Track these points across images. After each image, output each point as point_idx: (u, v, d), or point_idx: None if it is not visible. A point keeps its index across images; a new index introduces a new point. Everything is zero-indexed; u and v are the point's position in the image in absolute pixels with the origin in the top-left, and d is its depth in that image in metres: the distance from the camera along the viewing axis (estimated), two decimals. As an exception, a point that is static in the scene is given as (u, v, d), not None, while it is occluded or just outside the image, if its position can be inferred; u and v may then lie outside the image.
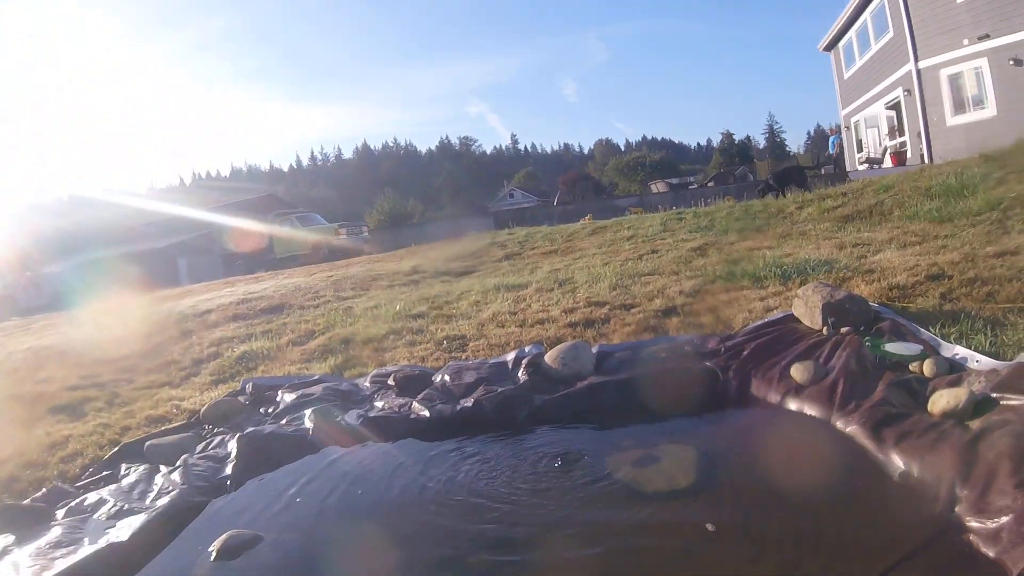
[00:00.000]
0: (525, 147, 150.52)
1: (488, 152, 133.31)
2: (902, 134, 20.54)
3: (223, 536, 2.95)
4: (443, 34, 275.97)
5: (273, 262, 24.18)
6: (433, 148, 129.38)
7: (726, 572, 2.40)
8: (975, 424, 2.73)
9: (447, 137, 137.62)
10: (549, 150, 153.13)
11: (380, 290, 9.72)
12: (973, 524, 2.26)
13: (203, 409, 4.83)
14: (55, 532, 3.18)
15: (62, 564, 2.82)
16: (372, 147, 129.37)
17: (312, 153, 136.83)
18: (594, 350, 4.58)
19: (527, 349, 4.74)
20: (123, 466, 4.02)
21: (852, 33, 24.04)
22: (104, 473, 3.99)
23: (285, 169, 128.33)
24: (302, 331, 7.33)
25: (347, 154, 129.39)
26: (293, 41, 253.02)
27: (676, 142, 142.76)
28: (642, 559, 2.53)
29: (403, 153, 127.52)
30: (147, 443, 4.24)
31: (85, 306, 15.28)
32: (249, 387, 5.10)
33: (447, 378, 4.49)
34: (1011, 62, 15.16)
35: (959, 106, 17.26)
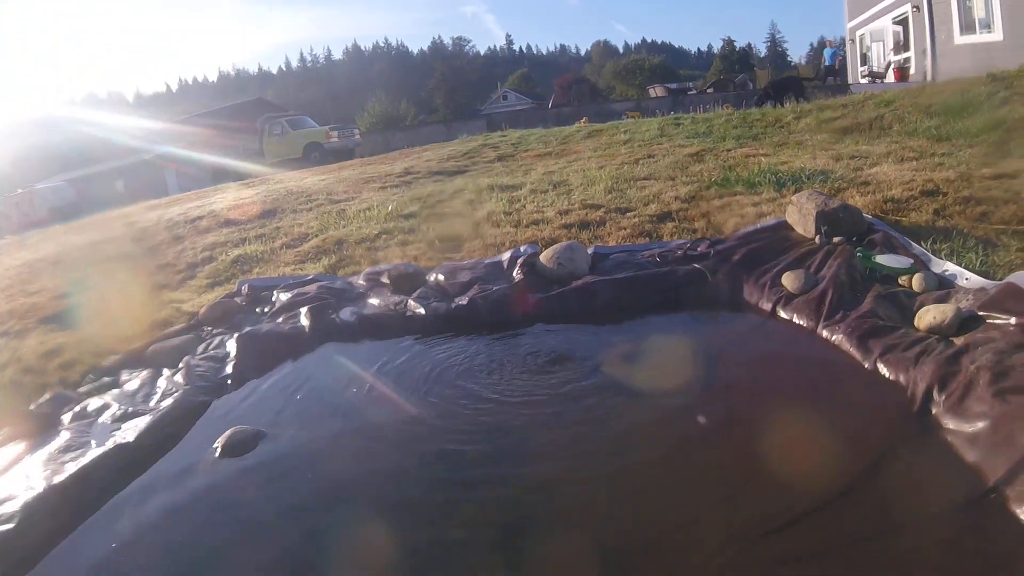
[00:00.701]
0: (520, 48, 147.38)
1: (482, 53, 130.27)
2: (907, 50, 20.08)
3: (227, 433, 3.03)
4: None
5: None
6: (425, 49, 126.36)
7: (711, 464, 2.49)
8: (959, 340, 2.78)
9: (440, 38, 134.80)
10: (545, 52, 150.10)
11: (372, 192, 9.65)
12: (950, 426, 2.34)
13: (201, 311, 4.87)
14: (63, 437, 3.24)
15: (72, 467, 2.88)
16: (363, 48, 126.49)
17: (301, 55, 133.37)
18: (589, 251, 4.60)
19: (522, 248, 4.76)
20: (124, 372, 4.08)
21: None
22: (105, 379, 4.05)
23: (274, 72, 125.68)
24: (295, 234, 7.33)
25: (337, 55, 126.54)
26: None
27: (676, 46, 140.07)
28: (631, 448, 2.62)
29: (394, 54, 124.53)
30: (150, 347, 4.30)
31: (78, 220, 15.27)
32: (245, 288, 5.14)
33: (441, 277, 4.52)
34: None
35: (967, 26, 16.82)
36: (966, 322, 2.89)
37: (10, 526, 2.50)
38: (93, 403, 3.61)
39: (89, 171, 32.18)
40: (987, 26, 15.99)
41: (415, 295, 4.33)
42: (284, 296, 4.75)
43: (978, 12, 16.24)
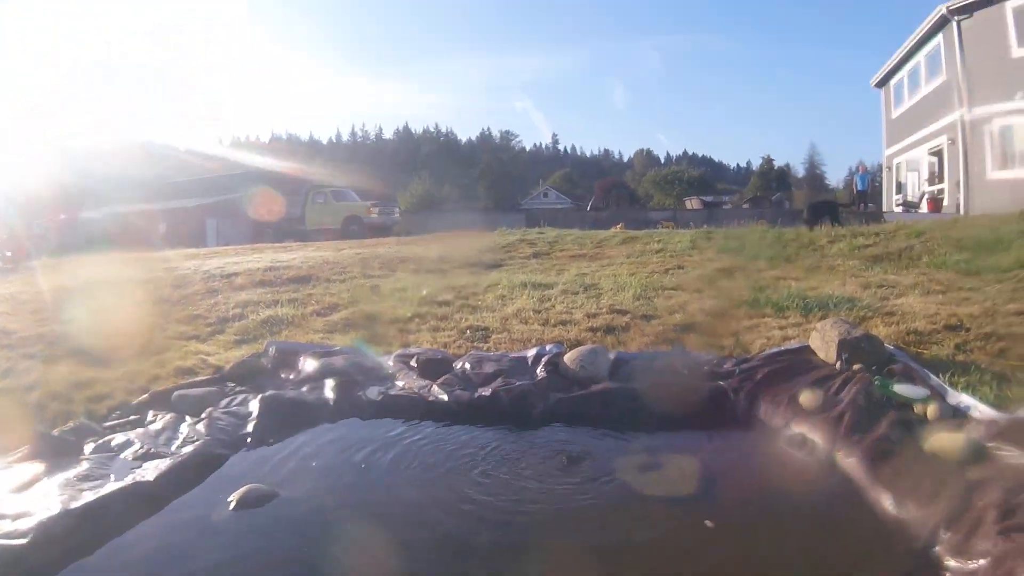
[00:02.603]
0: (565, 148, 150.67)
1: (528, 149, 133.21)
2: (942, 181, 20.36)
3: (242, 488, 3.12)
4: (497, 25, 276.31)
5: (303, 234, 24.41)
6: (473, 138, 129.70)
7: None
8: (969, 471, 2.82)
9: (488, 129, 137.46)
10: (589, 154, 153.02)
11: (407, 273, 9.86)
12: (952, 564, 2.37)
13: (228, 367, 4.99)
14: (83, 466, 3.36)
15: (90, 496, 2.98)
16: (413, 130, 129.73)
17: (353, 129, 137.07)
18: (612, 356, 4.69)
19: (547, 347, 4.85)
20: (150, 412, 4.19)
21: (905, 72, 23.82)
22: (131, 417, 4.17)
23: (324, 142, 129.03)
24: (326, 303, 7.50)
25: (387, 134, 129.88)
26: (344, 14, 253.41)
27: (716, 160, 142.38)
28: (639, 552, 2.66)
29: (443, 140, 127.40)
30: (175, 393, 4.41)
31: (115, 253, 15.63)
32: (272, 350, 5.23)
33: (468, 366, 4.61)
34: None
35: (1003, 161, 17.09)
36: (976, 452, 2.94)
37: (23, 541, 2.59)
38: (117, 438, 3.73)
39: (135, 208, 32.95)
40: (1022, 163, 16.21)
41: (440, 381, 4.42)
42: (311, 363, 4.85)
43: (1019, 145, 16.44)
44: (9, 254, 17.57)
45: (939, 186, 20.55)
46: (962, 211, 17.43)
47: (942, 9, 18.85)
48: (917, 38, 21.52)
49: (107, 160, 36.47)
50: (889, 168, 26.35)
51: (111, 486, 3.08)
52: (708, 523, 2.79)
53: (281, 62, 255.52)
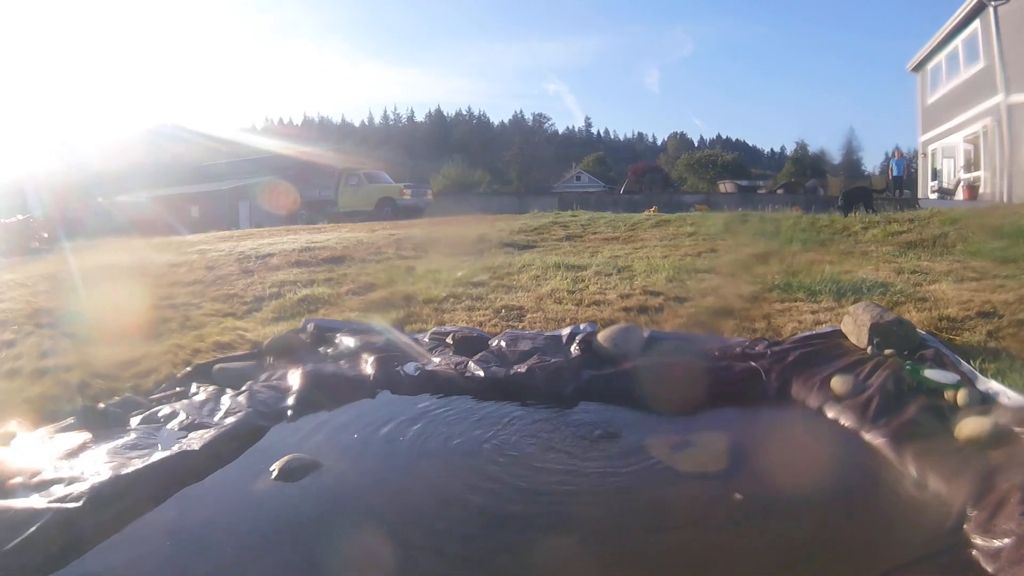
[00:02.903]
0: (598, 131, 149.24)
1: (560, 132, 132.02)
2: (978, 168, 19.99)
3: (284, 458, 3.21)
4: (530, 8, 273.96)
5: (336, 216, 24.56)
6: (506, 121, 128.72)
7: (735, 550, 2.56)
8: (995, 454, 2.85)
9: (521, 112, 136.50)
10: (622, 137, 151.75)
11: (440, 254, 9.93)
12: (978, 542, 2.40)
13: (266, 342, 5.09)
14: (131, 436, 3.49)
15: (139, 462, 3.09)
16: (445, 113, 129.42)
17: (385, 112, 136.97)
18: (645, 335, 4.73)
19: (581, 326, 4.88)
20: (193, 385, 4.31)
21: (942, 57, 23.31)
22: (176, 389, 4.29)
23: (356, 124, 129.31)
24: (362, 283, 7.60)
25: (419, 117, 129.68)
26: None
27: (750, 145, 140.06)
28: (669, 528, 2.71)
29: (475, 123, 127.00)
30: (216, 366, 4.53)
31: (149, 236, 15.91)
32: (311, 327, 5.33)
33: (503, 344, 4.67)
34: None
35: None
36: (1003, 437, 2.96)
37: (78, 504, 2.69)
38: (163, 410, 3.86)
39: (169, 191, 33.41)
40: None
41: (476, 358, 4.49)
42: (349, 340, 4.94)
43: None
44: (46, 235, 18.01)
45: (975, 173, 20.15)
46: (999, 199, 17.10)
47: (980, -6, 18.46)
48: (954, 23, 21.01)
49: (140, 145, 37.00)
50: (924, 154, 25.86)
51: (159, 454, 3.19)
52: (737, 496, 2.83)
53: (315, 46, 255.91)
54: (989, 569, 2.25)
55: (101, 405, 3.92)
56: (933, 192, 23.34)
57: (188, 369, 4.59)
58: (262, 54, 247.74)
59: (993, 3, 17.96)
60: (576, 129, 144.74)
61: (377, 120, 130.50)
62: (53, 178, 27.54)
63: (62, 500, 2.72)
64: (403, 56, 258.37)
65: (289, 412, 3.92)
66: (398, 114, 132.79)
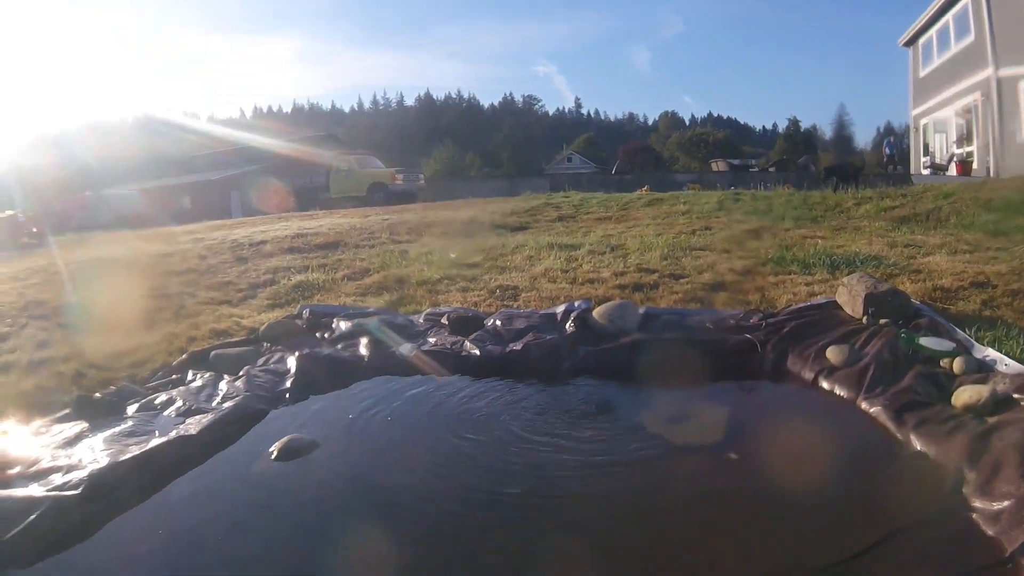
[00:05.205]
0: (588, 112, 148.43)
1: (551, 114, 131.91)
2: (970, 143, 19.87)
3: (284, 439, 3.22)
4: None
5: (328, 201, 24.46)
6: (496, 104, 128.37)
7: (739, 522, 2.56)
8: (992, 419, 2.87)
9: (511, 94, 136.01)
10: (613, 118, 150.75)
11: (434, 237, 9.92)
12: (977, 504, 2.41)
13: (262, 328, 5.09)
14: (128, 424, 3.49)
15: (136, 449, 3.09)
16: (435, 97, 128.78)
17: (374, 97, 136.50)
18: (641, 311, 4.73)
19: (576, 304, 4.89)
20: (190, 372, 4.31)
21: (933, 32, 23.18)
22: (173, 377, 4.29)
23: (346, 110, 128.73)
24: (357, 268, 7.60)
25: (409, 101, 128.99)
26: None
27: (741, 122, 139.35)
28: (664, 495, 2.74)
29: (465, 106, 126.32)
30: (212, 352, 4.53)
31: (143, 229, 15.85)
32: (306, 313, 5.33)
33: (498, 323, 4.67)
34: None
35: None
36: (1000, 403, 2.97)
37: (76, 492, 2.69)
38: (160, 397, 3.86)
39: (159, 183, 33.23)
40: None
41: (472, 337, 4.49)
42: (344, 325, 4.94)
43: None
44: (35, 230, 17.93)
45: (968, 148, 20.06)
46: (992, 173, 17.05)
47: (971, -33, 18.37)
48: (946, -2, 21.02)
49: (127, 139, 36.83)
50: (916, 129, 25.78)
51: (156, 440, 3.19)
52: (732, 455, 2.88)
53: (302, 32, 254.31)
54: (989, 532, 2.26)
55: (97, 395, 3.92)
56: (925, 168, 23.30)
57: (184, 357, 4.59)
58: (247, 42, 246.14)
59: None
60: (566, 110, 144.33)
61: (367, 105, 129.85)
62: (40, 173, 27.42)
63: (60, 488, 2.72)
64: (391, 40, 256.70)
65: (287, 395, 3.93)
66: (387, 99, 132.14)
